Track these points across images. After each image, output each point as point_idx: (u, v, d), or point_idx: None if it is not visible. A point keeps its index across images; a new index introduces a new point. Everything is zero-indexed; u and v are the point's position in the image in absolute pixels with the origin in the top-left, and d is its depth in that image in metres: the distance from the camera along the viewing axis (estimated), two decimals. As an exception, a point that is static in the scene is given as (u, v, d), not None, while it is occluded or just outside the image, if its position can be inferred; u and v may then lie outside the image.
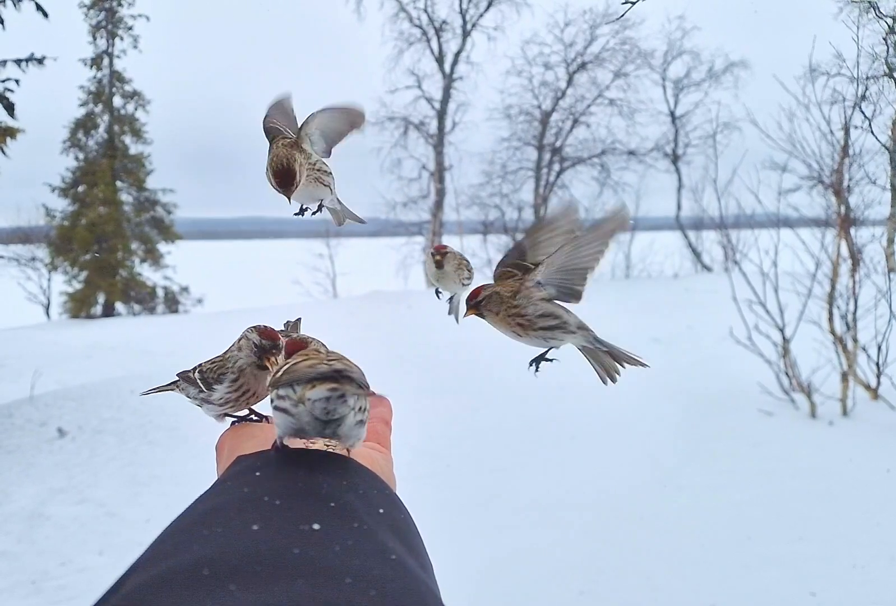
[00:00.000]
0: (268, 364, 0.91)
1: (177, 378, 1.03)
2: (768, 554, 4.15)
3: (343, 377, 0.68)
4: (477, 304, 1.11)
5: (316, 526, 0.55)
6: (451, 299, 1.33)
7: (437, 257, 1.23)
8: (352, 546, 0.54)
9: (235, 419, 0.94)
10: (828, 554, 4.09)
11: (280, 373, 0.74)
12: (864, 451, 5.63)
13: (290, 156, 1.04)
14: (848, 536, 4.30)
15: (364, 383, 0.69)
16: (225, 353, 0.97)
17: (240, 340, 0.95)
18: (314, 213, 1.20)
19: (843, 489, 4.95)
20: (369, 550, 0.55)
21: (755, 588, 3.85)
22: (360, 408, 0.71)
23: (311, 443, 0.85)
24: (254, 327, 0.95)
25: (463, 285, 1.27)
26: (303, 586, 0.48)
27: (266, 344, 0.92)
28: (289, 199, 1.08)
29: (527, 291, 1.11)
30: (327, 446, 0.78)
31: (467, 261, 1.29)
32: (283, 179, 1.04)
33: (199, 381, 0.96)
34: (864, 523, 4.45)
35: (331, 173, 1.16)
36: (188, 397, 1.00)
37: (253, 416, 0.96)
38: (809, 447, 5.78)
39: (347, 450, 0.72)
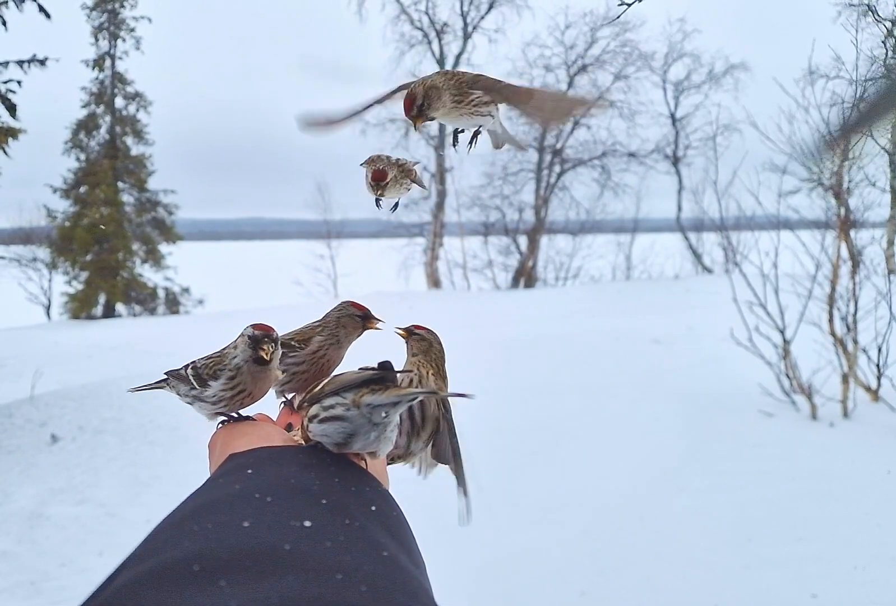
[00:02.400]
0: (263, 354, 0.91)
1: (166, 376, 1.03)
2: (769, 556, 4.14)
3: (390, 372, 0.71)
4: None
5: (307, 523, 0.55)
6: (395, 205, 1.25)
7: (379, 191, 1.11)
8: (343, 543, 0.54)
9: (226, 419, 0.93)
10: (829, 556, 4.09)
11: (319, 387, 0.75)
12: (865, 452, 5.62)
13: (422, 84, 0.97)
14: (849, 537, 4.29)
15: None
16: (222, 350, 0.96)
17: (237, 338, 0.95)
18: (471, 141, 1.10)
19: (843, 490, 4.94)
20: (361, 546, 0.55)
21: (756, 589, 3.85)
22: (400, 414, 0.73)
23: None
24: (251, 324, 0.95)
25: (407, 190, 1.17)
26: (293, 582, 0.48)
27: (258, 334, 0.92)
28: (415, 127, 0.99)
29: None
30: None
31: (406, 166, 1.14)
32: (405, 105, 0.97)
33: (191, 377, 0.95)
34: (865, 524, 4.44)
35: (489, 103, 1.03)
36: (178, 394, 0.99)
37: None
38: (810, 449, 5.77)
39: (365, 460, 0.73)
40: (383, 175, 1.10)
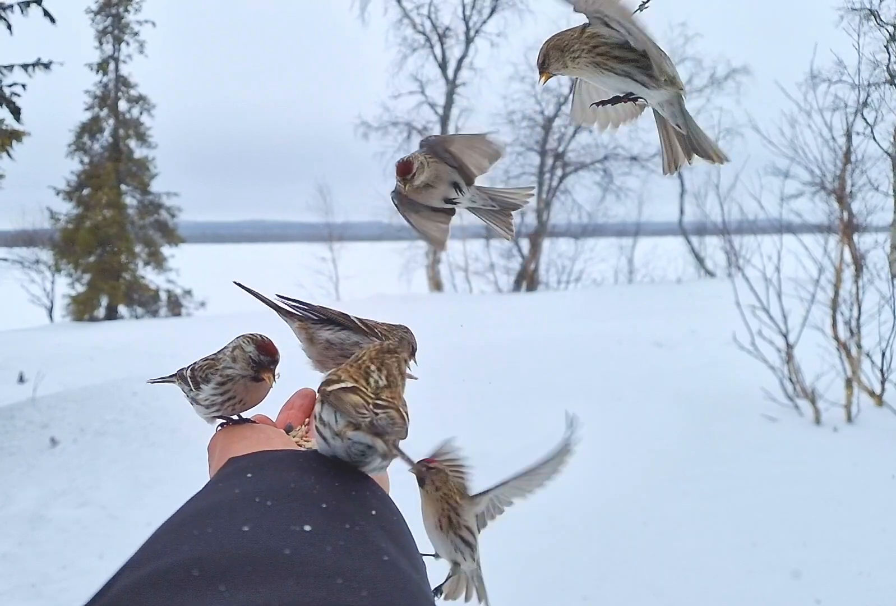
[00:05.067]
0: (266, 378, 0.89)
1: (176, 373, 1.03)
2: (773, 561, 4.12)
3: (383, 434, 0.69)
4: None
5: (307, 527, 0.54)
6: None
7: (407, 186, 0.98)
8: (343, 547, 0.53)
9: (225, 421, 0.92)
10: (833, 561, 4.06)
11: (336, 386, 0.72)
12: (869, 457, 5.60)
13: (547, 41, 0.90)
14: (853, 542, 4.27)
15: (402, 436, 0.70)
16: (217, 353, 0.95)
17: (234, 348, 0.92)
18: (607, 102, 0.92)
19: (847, 495, 4.92)
20: (361, 551, 0.54)
21: (760, 594, 3.82)
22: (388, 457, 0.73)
23: (305, 441, 0.85)
24: (250, 337, 0.92)
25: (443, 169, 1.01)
26: (293, 586, 0.47)
27: (264, 360, 0.90)
28: (541, 82, 0.91)
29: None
30: None
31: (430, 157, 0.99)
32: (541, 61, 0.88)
33: (188, 379, 0.94)
34: (870, 529, 4.42)
35: (628, 60, 0.84)
36: (183, 391, 0.99)
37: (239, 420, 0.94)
38: (814, 453, 5.75)
39: None
40: (408, 166, 0.96)
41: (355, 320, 1.04)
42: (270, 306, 1.07)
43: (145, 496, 5.61)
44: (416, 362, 1.03)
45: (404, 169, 0.97)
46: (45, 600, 4.10)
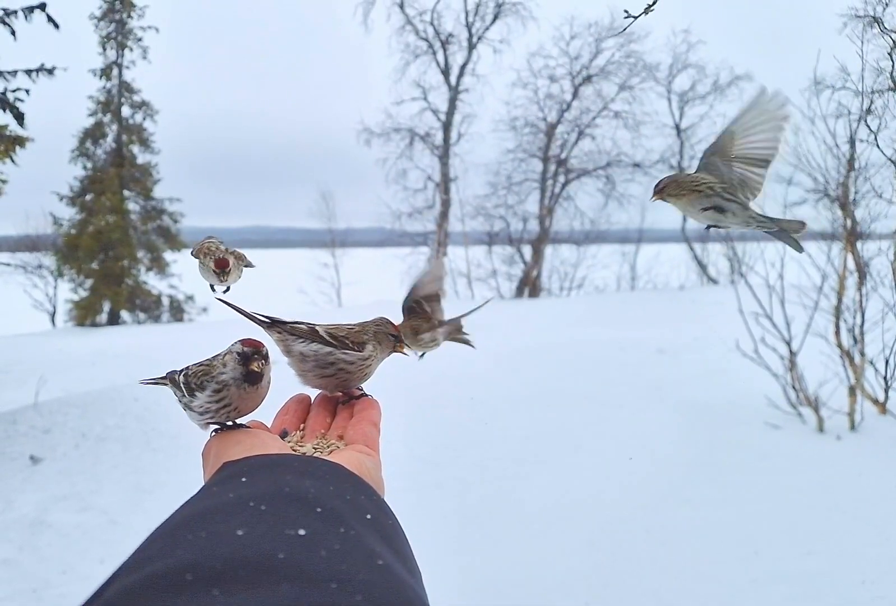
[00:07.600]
0: (254, 367, 0.89)
1: (167, 376, 1.02)
2: (776, 570, 4.09)
3: None
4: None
5: (302, 531, 0.54)
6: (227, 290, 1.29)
7: (223, 278, 1.18)
8: (338, 551, 0.53)
9: (220, 426, 0.92)
10: (836, 569, 4.03)
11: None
12: (873, 465, 5.57)
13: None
14: (856, 551, 4.24)
15: None
16: (212, 359, 0.95)
17: (225, 354, 0.93)
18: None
19: (851, 503, 4.89)
20: (356, 555, 0.54)
21: (762, 603, 3.80)
22: None
23: (300, 446, 0.85)
24: (239, 340, 0.93)
25: (241, 274, 1.24)
26: (288, 590, 0.47)
27: (248, 351, 0.90)
28: (655, 196, 1.24)
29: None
30: (315, 449, 0.78)
31: (237, 252, 1.23)
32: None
33: (182, 385, 0.94)
34: (873, 538, 4.39)
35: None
36: (175, 396, 0.98)
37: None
38: (817, 461, 5.73)
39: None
40: (226, 263, 1.17)
41: (324, 334, 1.06)
42: (253, 321, 1.11)
43: (146, 501, 5.60)
44: (407, 344, 1.13)
45: (223, 264, 1.18)
46: (45, 605, 4.08)
